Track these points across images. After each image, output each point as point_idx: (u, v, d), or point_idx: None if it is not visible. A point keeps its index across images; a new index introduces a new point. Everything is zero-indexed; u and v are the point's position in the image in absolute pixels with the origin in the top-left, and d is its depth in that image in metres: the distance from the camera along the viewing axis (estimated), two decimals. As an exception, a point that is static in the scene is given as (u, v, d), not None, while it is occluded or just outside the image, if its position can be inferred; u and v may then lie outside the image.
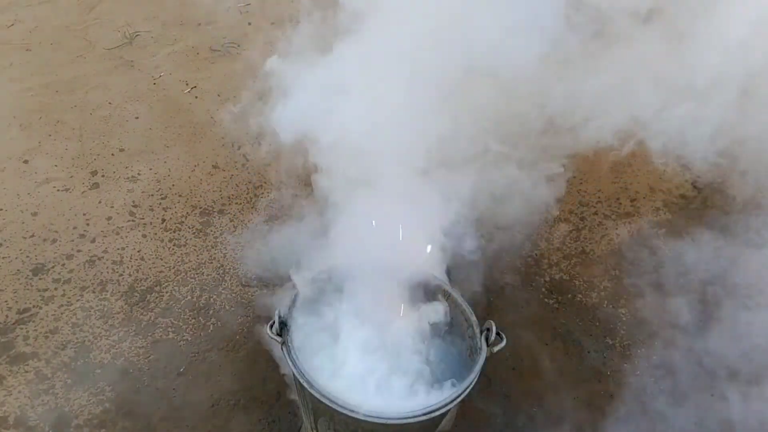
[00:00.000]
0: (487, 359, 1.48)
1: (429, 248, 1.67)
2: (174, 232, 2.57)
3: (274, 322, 1.47)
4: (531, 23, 1.41)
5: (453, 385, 1.49)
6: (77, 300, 2.28)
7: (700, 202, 3.04)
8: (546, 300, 2.49)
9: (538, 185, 2.11)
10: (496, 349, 1.51)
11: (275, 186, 2.71)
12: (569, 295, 2.52)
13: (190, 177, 2.82)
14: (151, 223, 2.60)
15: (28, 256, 2.40)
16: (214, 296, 2.36)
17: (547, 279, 2.57)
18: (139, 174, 2.80)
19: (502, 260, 2.50)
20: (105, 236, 2.52)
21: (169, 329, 2.23)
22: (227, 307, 2.32)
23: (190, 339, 2.21)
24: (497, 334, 1.51)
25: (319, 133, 1.57)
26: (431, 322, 1.66)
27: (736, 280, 2.64)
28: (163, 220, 2.62)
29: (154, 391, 2.05)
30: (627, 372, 2.28)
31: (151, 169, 2.83)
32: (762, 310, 2.56)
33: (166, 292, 2.35)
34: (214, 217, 2.65)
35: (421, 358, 1.66)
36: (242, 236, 2.53)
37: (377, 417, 1.35)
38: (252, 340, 2.22)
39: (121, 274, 2.39)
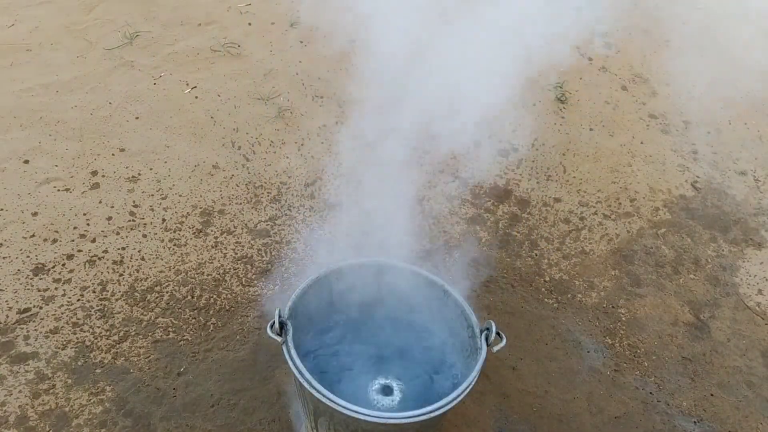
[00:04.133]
0: (486, 359, 1.49)
1: None
2: (174, 232, 2.58)
3: (274, 322, 1.48)
4: None
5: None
6: (77, 300, 2.29)
7: (700, 202, 3.04)
8: (546, 300, 2.49)
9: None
10: (496, 349, 1.52)
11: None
12: (569, 295, 2.52)
13: (190, 177, 2.82)
14: (151, 223, 2.60)
15: (28, 256, 2.41)
16: (214, 296, 2.36)
17: (547, 279, 2.57)
18: (139, 174, 2.80)
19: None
20: (105, 236, 2.52)
21: (169, 329, 2.23)
22: (227, 307, 2.32)
23: (190, 339, 2.21)
24: (497, 334, 1.52)
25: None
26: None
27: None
28: (163, 220, 2.62)
29: (154, 391, 2.05)
30: (626, 371, 2.28)
31: (151, 169, 2.83)
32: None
33: (166, 292, 2.35)
34: (214, 217, 2.65)
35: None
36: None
37: (377, 417, 1.35)
38: (252, 340, 2.22)
39: (122, 274, 2.39)
